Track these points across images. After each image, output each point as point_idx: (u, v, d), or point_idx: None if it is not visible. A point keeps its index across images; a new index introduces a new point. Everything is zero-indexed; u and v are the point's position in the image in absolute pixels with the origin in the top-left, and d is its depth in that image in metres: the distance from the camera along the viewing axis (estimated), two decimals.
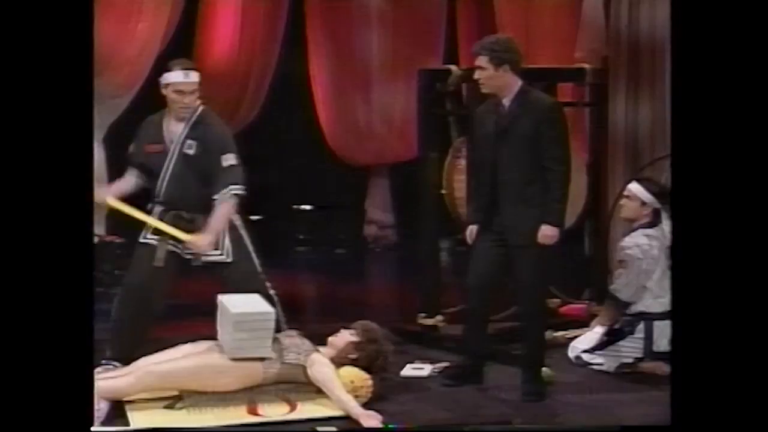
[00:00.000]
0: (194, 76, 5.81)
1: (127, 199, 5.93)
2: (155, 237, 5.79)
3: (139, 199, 5.98)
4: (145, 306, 5.78)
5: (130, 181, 5.96)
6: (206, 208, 5.73)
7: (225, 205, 5.72)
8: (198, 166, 5.77)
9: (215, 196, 5.70)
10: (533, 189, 5.50)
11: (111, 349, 5.78)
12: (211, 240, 5.69)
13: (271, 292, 5.91)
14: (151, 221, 5.77)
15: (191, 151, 5.77)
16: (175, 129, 5.81)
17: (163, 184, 5.81)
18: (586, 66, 7.30)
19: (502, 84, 5.53)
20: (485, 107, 5.71)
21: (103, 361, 5.73)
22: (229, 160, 5.74)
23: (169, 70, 5.81)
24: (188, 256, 5.79)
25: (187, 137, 5.78)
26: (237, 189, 5.73)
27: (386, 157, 10.59)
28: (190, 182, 5.77)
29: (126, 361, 5.59)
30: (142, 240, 5.84)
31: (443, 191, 6.99)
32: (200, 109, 5.86)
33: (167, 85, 5.78)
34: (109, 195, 5.83)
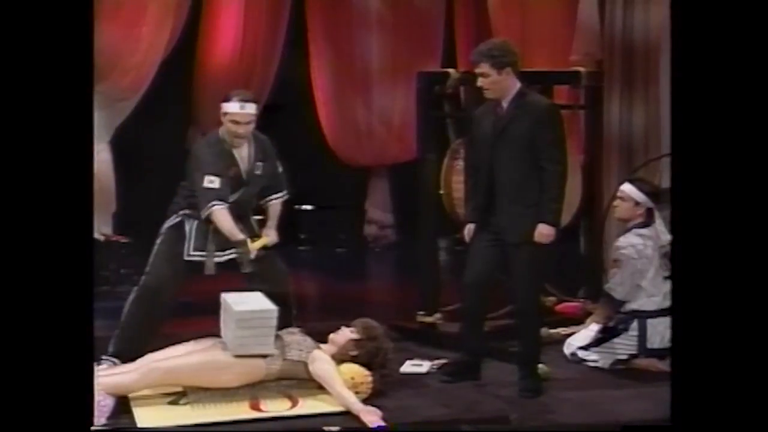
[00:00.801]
0: (250, 108, 5.89)
1: None
2: (201, 253, 5.88)
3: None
4: (160, 308, 5.87)
5: (227, 212, 5.83)
6: (242, 216, 5.96)
7: (278, 207, 6.20)
8: (261, 183, 6.06)
9: (273, 197, 6.15)
10: (530, 189, 5.55)
11: (115, 346, 5.84)
12: (275, 239, 6.05)
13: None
14: (260, 243, 5.92)
15: (259, 172, 6.02)
16: (244, 154, 5.97)
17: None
18: (582, 69, 7.33)
19: (505, 87, 5.58)
20: (483, 109, 5.76)
21: (103, 357, 5.79)
22: (280, 166, 6.17)
23: (227, 100, 5.89)
24: (242, 260, 5.85)
25: (256, 160, 6.00)
26: (285, 194, 6.20)
27: (386, 158, 10.64)
28: (246, 198, 6.00)
29: (128, 359, 5.65)
30: (187, 258, 5.87)
31: (442, 192, 7.02)
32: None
33: (225, 114, 5.88)
34: (248, 240, 5.84)
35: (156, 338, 5.84)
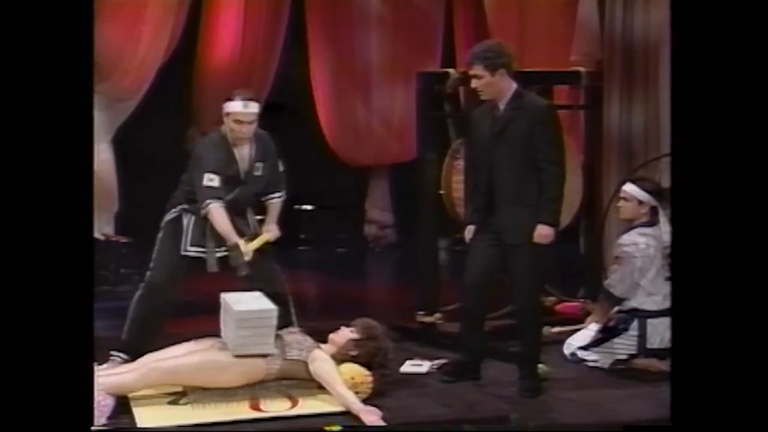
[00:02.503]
0: (253, 107, 5.89)
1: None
2: (200, 249, 5.88)
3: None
4: (166, 303, 5.90)
5: (223, 211, 5.83)
6: (241, 214, 5.98)
7: (277, 206, 6.16)
8: (261, 183, 6.04)
9: (273, 196, 6.13)
10: (529, 189, 5.56)
11: (123, 342, 5.89)
12: (276, 233, 6.02)
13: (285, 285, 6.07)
14: (258, 243, 5.90)
15: (259, 173, 6.01)
16: (244, 153, 5.96)
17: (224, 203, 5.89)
18: (582, 69, 7.36)
19: (499, 88, 5.60)
20: (481, 110, 5.77)
21: (112, 353, 5.86)
22: (281, 165, 6.16)
23: (230, 99, 5.88)
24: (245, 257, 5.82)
25: (254, 160, 5.98)
26: (283, 194, 6.19)
27: (386, 158, 10.65)
28: (242, 198, 5.98)
29: (135, 355, 5.69)
30: (183, 253, 5.88)
31: (442, 191, 7.03)
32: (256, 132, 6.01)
33: (228, 114, 5.87)
34: (242, 242, 5.78)
35: (163, 334, 5.88)
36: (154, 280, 5.92)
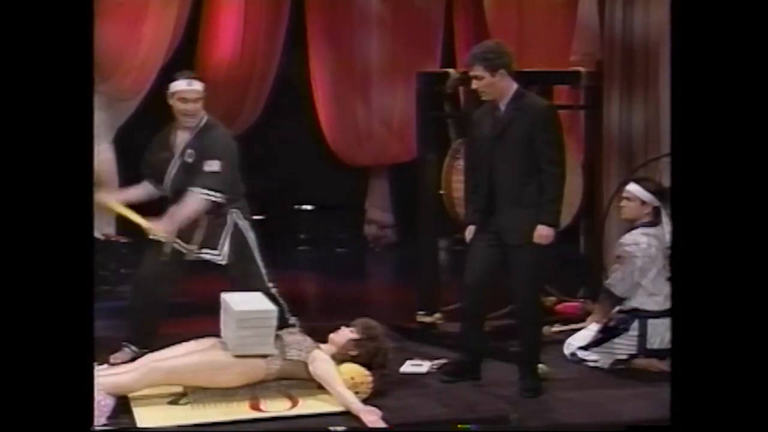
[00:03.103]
0: (197, 85, 6.06)
1: (140, 204, 6.19)
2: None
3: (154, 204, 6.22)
4: (154, 295, 6.03)
5: (142, 188, 6.24)
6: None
7: (192, 201, 5.95)
8: (195, 172, 6.01)
9: (190, 188, 5.95)
10: (529, 190, 5.56)
11: (129, 333, 6.13)
12: (167, 227, 5.92)
13: (273, 290, 6.11)
14: (129, 215, 6.06)
15: (190, 160, 6.03)
16: (181, 138, 6.07)
17: (167, 189, 6.12)
18: (582, 69, 7.37)
19: (500, 89, 5.60)
20: (482, 111, 5.78)
21: (123, 343, 6.08)
22: (212, 166, 5.96)
23: (174, 80, 6.06)
24: (185, 251, 6.04)
25: (188, 146, 6.04)
26: (209, 194, 5.95)
27: (386, 158, 10.67)
28: (180, 186, 6.03)
29: (142, 343, 5.92)
30: (151, 236, 6.02)
31: (442, 192, 7.04)
32: (205, 119, 6.11)
33: (173, 94, 6.03)
34: (111, 198, 6.11)
35: (162, 324, 6.07)
36: (141, 269, 6.13)
